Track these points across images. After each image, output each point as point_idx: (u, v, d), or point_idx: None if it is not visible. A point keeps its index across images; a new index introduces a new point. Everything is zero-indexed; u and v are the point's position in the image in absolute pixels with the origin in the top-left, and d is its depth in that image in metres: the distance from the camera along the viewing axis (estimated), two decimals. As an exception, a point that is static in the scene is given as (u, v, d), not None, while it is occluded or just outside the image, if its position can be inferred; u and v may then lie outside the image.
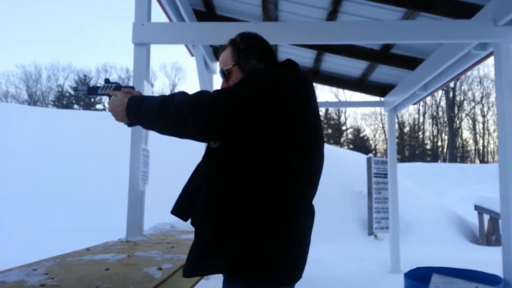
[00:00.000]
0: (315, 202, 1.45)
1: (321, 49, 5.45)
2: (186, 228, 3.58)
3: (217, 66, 5.85)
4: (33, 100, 37.43)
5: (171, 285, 1.79)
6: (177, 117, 1.30)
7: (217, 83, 6.28)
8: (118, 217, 4.04)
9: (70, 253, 2.26)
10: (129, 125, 1.48)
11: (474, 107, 36.02)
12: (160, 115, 1.34)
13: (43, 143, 11.07)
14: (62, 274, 1.71)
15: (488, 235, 9.62)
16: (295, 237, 1.32)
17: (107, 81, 1.59)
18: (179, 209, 1.44)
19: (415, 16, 4.06)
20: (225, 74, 1.55)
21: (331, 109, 37.95)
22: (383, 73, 5.99)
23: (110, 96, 1.54)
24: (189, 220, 1.44)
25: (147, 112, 1.38)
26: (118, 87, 1.56)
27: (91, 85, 1.62)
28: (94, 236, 3.82)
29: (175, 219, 3.59)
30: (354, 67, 6.00)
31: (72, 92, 38.20)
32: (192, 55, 5.48)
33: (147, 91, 3.20)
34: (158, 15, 4.53)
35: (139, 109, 1.40)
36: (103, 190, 9.05)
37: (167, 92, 37.64)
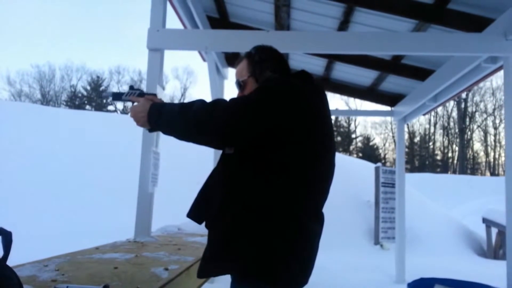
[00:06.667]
0: (323, 209, 1.48)
1: (332, 58, 5.49)
2: (193, 231, 3.62)
3: (228, 71, 5.96)
4: (46, 99, 37.80)
5: (177, 285, 1.83)
6: (195, 124, 1.35)
7: (228, 88, 6.36)
8: (126, 218, 4.10)
9: (80, 251, 2.32)
10: (150, 130, 1.53)
11: (486, 119, 35.57)
12: (178, 122, 1.39)
13: (55, 143, 11.22)
14: (72, 271, 1.76)
15: (496, 249, 9.51)
16: (304, 241, 1.36)
17: (131, 87, 1.65)
18: (195, 213, 1.49)
19: (426, 28, 4.08)
20: (241, 85, 1.61)
21: (341, 117, 37.79)
22: (393, 82, 6.00)
23: (133, 102, 1.59)
24: (203, 224, 1.49)
25: (167, 118, 1.43)
26: (141, 94, 1.61)
27: (116, 92, 1.68)
28: (103, 236, 3.88)
29: (182, 222, 3.64)
30: (364, 76, 6.02)
31: (85, 93, 38.63)
32: (204, 60, 5.55)
33: (159, 95, 3.26)
34: (172, 21, 4.62)
35: (159, 115, 1.44)
36: (112, 191, 9.14)
37: (178, 95, 38.01)
